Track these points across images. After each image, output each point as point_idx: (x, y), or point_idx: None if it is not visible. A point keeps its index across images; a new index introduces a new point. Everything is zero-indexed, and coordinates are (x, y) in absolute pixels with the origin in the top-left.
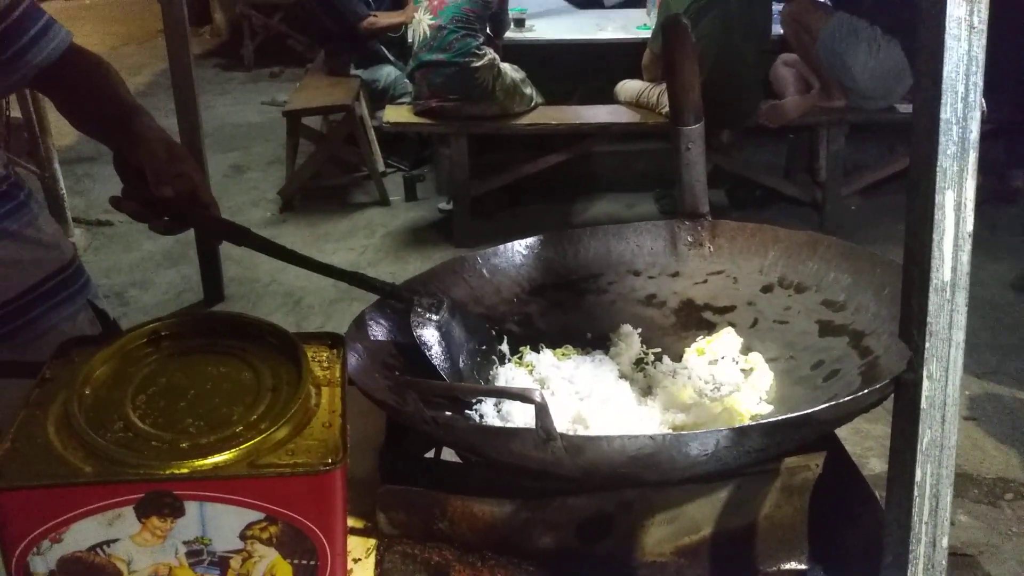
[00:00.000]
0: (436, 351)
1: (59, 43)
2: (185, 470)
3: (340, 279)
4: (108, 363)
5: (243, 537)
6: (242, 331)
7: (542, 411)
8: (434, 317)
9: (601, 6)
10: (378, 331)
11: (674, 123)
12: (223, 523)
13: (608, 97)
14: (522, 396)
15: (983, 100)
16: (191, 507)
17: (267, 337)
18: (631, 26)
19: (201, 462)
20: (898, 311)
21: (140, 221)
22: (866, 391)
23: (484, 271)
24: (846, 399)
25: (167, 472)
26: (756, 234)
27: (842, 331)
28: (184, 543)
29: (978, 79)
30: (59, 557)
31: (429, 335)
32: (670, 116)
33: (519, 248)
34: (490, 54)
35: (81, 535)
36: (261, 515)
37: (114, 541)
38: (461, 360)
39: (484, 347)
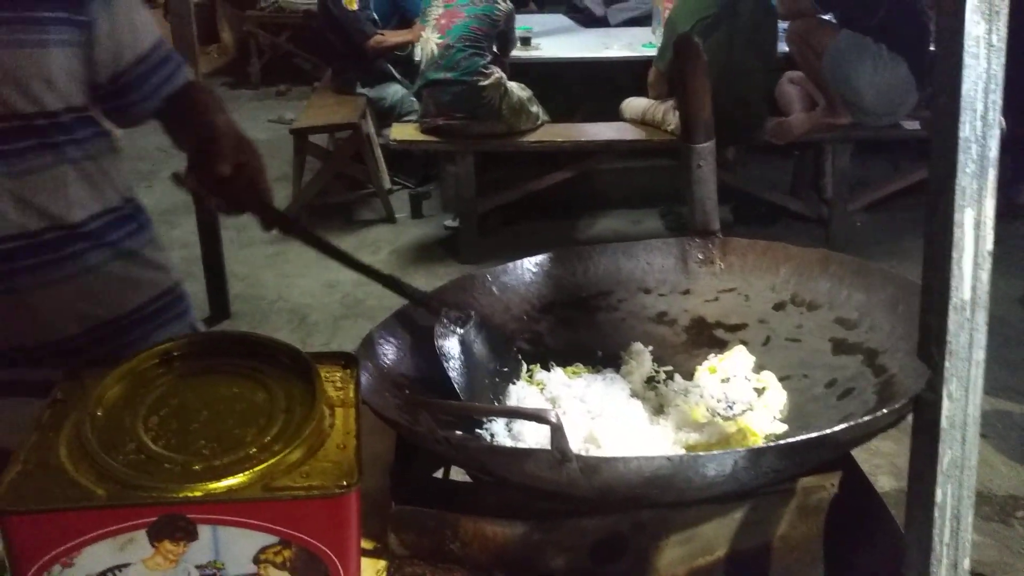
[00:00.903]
0: (453, 364)
1: (184, 77)
2: (198, 493)
3: (376, 280)
4: (120, 384)
5: (257, 561)
6: (255, 351)
7: (557, 432)
8: (459, 330)
9: (607, 24)
10: (388, 350)
11: (685, 141)
12: (236, 547)
13: (613, 114)
14: (537, 416)
15: (1002, 119)
16: (204, 531)
17: (280, 357)
18: (636, 44)
19: (215, 485)
20: (912, 329)
21: (197, 196)
22: (885, 411)
23: (494, 288)
24: (865, 419)
25: (180, 495)
26: (767, 252)
27: (856, 349)
28: (197, 567)
29: (997, 97)
30: None
31: (450, 347)
32: (681, 134)
33: (528, 265)
34: (497, 73)
35: (93, 560)
36: (275, 539)
37: (126, 566)
38: (479, 377)
39: (506, 368)
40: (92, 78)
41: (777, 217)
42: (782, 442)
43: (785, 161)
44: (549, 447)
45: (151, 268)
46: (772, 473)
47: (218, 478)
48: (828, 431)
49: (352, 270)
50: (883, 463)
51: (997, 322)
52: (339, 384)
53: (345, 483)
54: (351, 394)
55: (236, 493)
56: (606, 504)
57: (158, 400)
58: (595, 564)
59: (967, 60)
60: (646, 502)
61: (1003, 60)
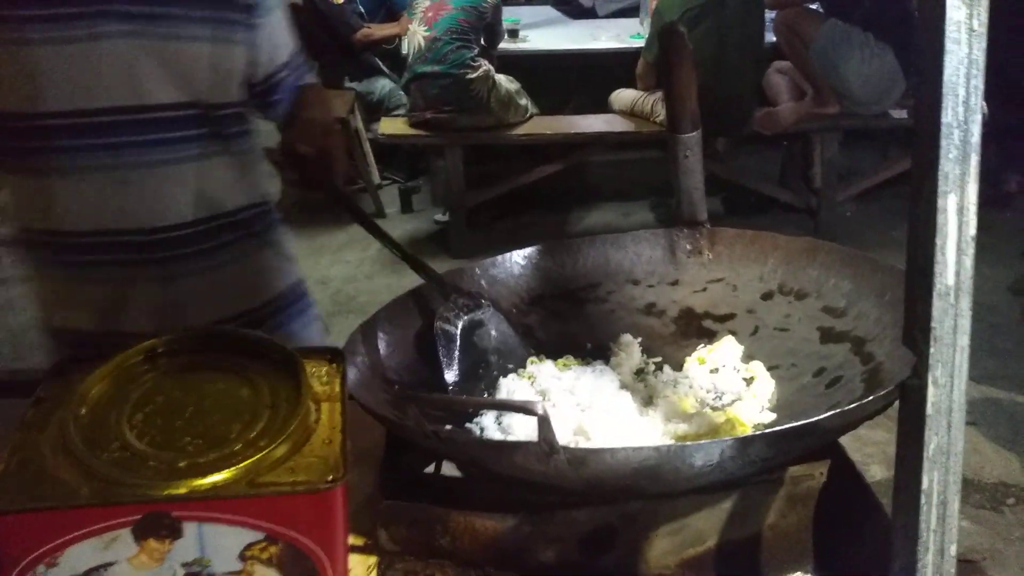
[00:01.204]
0: (446, 349)
1: (309, 77)
2: (183, 490)
3: (400, 255)
4: (104, 382)
5: (243, 558)
6: (240, 347)
7: (544, 423)
8: (463, 316)
9: (595, 16)
10: (377, 345)
11: (671, 131)
12: (222, 544)
13: (603, 106)
14: (524, 408)
15: (984, 103)
16: (189, 528)
17: (265, 353)
18: (624, 35)
19: (199, 481)
20: (899, 316)
21: (279, 169)
22: (871, 398)
23: (483, 282)
24: (851, 406)
25: (165, 493)
26: (755, 241)
27: (844, 338)
28: (183, 565)
29: (979, 82)
30: None
31: (447, 332)
32: (667, 124)
33: (517, 259)
34: (485, 65)
35: (77, 559)
36: (261, 535)
37: (111, 564)
38: (473, 367)
39: (510, 364)
40: (250, 77)
41: (767, 208)
42: (768, 431)
43: (774, 151)
44: (537, 439)
45: (285, 259)
46: (760, 462)
47: (203, 475)
48: (814, 419)
49: (390, 248)
50: (875, 452)
51: (986, 310)
52: (325, 379)
53: (331, 478)
54: (337, 389)
55: (221, 490)
56: (595, 496)
57: (143, 397)
58: (585, 556)
59: (948, 46)
60: (635, 493)
61: (984, 45)
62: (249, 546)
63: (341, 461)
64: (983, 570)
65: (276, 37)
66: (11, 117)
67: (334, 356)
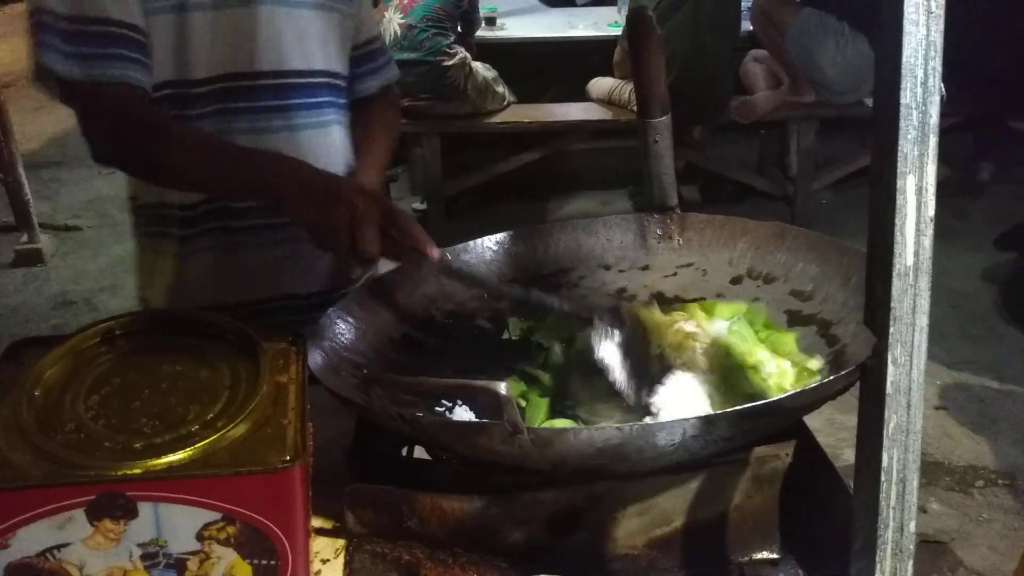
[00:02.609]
0: (618, 373)
1: (389, 75)
2: (138, 470)
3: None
4: (60, 364)
5: (200, 538)
6: (200, 329)
7: (507, 404)
8: (616, 334)
9: (572, 4)
10: (344, 329)
11: (641, 116)
12: (178, 524)
13: (580, 95)
14: (486, 390)
15: (943, 85)
16: (145, 508)
17: (225, 335)
18: (602, 23)
19: (155, 462)
20: (863, 300)
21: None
22: (831, 378)
23: (453, 267)
24: (812, 386)
25: (119, 473)
26: (725, 226)
27: (810, 320)
28: (139, 545)
29: (937, 64)
30: (7, 564)
31: (610, 356)
32: (636, 109)
33: (489, 244)
34: (461, 53)
35: (30, 540)
36: (218, 515)
37: (65, 545)
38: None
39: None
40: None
41: (744, 196)
42: (730, 410)
43: (751, 140)
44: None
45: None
46: (723, 441)
47: (159, 455)
48: (775, 398)
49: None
50: (848, 436)
51: (959, 296)
52: (285, 361)
53: (288, 458)
54: (298, 371)
55: (176, 470)
56: (561, 476)
57: (99, 379)
58: (553, 537)
59: (907, 27)
60: (600, 473)
61: (942, 27)
62: (206, 526)
63: (299, 442)
64: (952, 550)
65: (366, 10)
66: (162, 86)
67: (295, 338)
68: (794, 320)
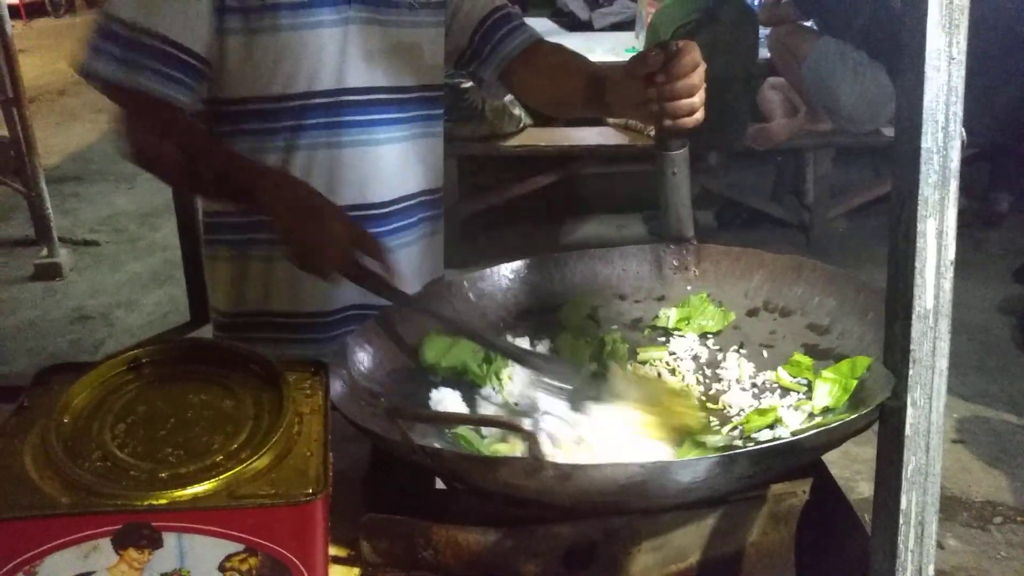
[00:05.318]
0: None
1: (521, 42)
2: (164, 501)
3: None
4: (87, 391)
5: (222, 569)
6: (223, 358)
7: (532, 440)
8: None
9: (591, 29)
10: (363, 357)
11: (659, 148)
12: (202, 555)
13: (597, 119)
14: (512, 426)
15: (963, 129)
16: (169, 538)
17: (249, 364)
18: (620, 48)
19: (180, 493)
20: (881, 335)
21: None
22: (852, 417)
23: (470, 295)
24: (834, 424)
25: (145, 503)
26: (741, 258)
27: (828, 355)
28: (162, 575)
29: (958, 109)
30: None
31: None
32: (655, 141)
33: (505, 272)
34: None
35: (56, 568)
36: (241, 546)
37: (90, 574)
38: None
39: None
40: (454, 47)
41: (759, 222)
42: (752, 448)
43: (767, 167)
44: (524, 455)
45: (441, 246)
46: (745, 479)
47: (183, 486)
48: (796, 438)
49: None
50: (863, 469)
51: (976, 329)
52: (308, 391)
53: (311, 491)
54: (320, 401)
55: (201, 501)
56: (582, 511)
57: (125, 407)
58: (568, 571)
59: (928, 73)
60: (621, 509)
61: (963, 72)
62: (229, 557)
63: (322, 474)
64: None
65: None
66: (251, 101)
67: (317, 368)
68: (811, 354)
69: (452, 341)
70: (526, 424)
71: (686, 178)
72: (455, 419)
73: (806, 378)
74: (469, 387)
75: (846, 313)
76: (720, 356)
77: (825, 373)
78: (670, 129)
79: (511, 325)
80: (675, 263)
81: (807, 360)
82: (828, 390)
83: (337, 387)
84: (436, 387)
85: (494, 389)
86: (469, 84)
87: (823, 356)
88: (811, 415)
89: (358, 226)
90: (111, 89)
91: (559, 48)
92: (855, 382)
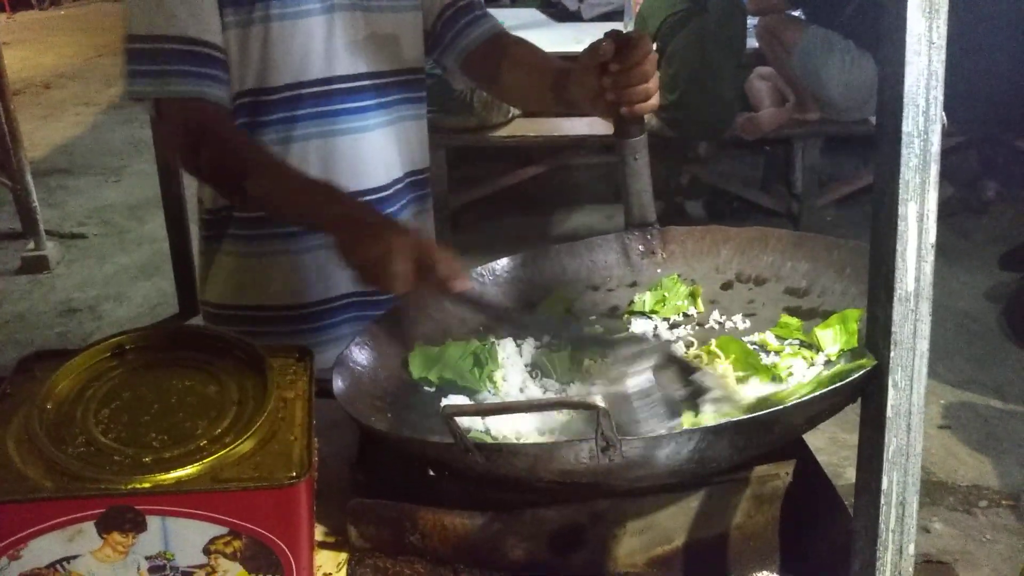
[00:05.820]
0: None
1: (483, 32)
2: (147, 484)
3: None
4: (71, 377)
5: (207, 552)
6: (208, 345)
7: (604, 418)
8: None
9: (580, 19)
10: (369, 357)
11: (618, 136)
12: (186, 538)
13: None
14: (584, 404)
15: (944, 114)
16: (153, 522)
17: (233, 350)
18: None
19: (163, 476)
20: (865, 287)
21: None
22: (834, 387)
23: (446, 302)
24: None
25: (128, 487)
26: (706, 236)
27: (814, 314)
28: (146, 558)
29: (938, 93)
30: (17, 574)
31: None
32: (614, 129)
33: (474, 276)
34: None
35: (41, 552)
36: (225, 529)
37: (75, 557)
38: None
39: None
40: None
41: (748, 212)
42: (737, 419)
43: (756, 156)
44: (582, 438)
45: (431, 234)
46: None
47: (167, 470)
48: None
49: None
50: (851, 455)
51: (962, 316)
52: (292, 376)
53: (294, 474)
54: (304, 386)
55: (185, 484)
56: (642, 487)
57: (109, 393)
58: (555, 554)
59: (909, 57)
60: (603, 490)
61: (943, 57)
62: (213, 540)
63: (306, 457)
64: (955, 571)
65: None
66: (241, 95)
67: (302, 354)
68: (795, 315)
69: (438, 351)
70: (598, 401)
71: (646, 164)
72: (523, 407)
73: (797, 339)
74: (472, 394)
75: (822, 271)
76: (709, 322)
77: (818, 330)
78: (627, 116)
79: (491, 328)
80: (641, 248)
81: (795, 321)
82: (832, 337)
83: (344, 387)
84: (445, 395)
85: (490, 392)
86: None
87: (809, 316)
88: (828, 361)
89: (415, 234)
90: (159, 106)
91: (521, 42)
92: (856, 326)
